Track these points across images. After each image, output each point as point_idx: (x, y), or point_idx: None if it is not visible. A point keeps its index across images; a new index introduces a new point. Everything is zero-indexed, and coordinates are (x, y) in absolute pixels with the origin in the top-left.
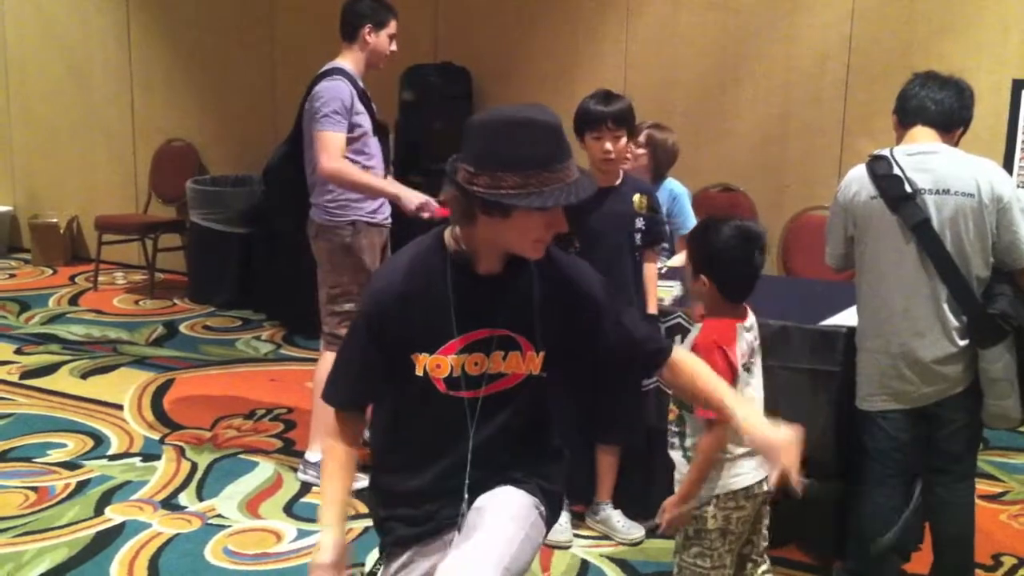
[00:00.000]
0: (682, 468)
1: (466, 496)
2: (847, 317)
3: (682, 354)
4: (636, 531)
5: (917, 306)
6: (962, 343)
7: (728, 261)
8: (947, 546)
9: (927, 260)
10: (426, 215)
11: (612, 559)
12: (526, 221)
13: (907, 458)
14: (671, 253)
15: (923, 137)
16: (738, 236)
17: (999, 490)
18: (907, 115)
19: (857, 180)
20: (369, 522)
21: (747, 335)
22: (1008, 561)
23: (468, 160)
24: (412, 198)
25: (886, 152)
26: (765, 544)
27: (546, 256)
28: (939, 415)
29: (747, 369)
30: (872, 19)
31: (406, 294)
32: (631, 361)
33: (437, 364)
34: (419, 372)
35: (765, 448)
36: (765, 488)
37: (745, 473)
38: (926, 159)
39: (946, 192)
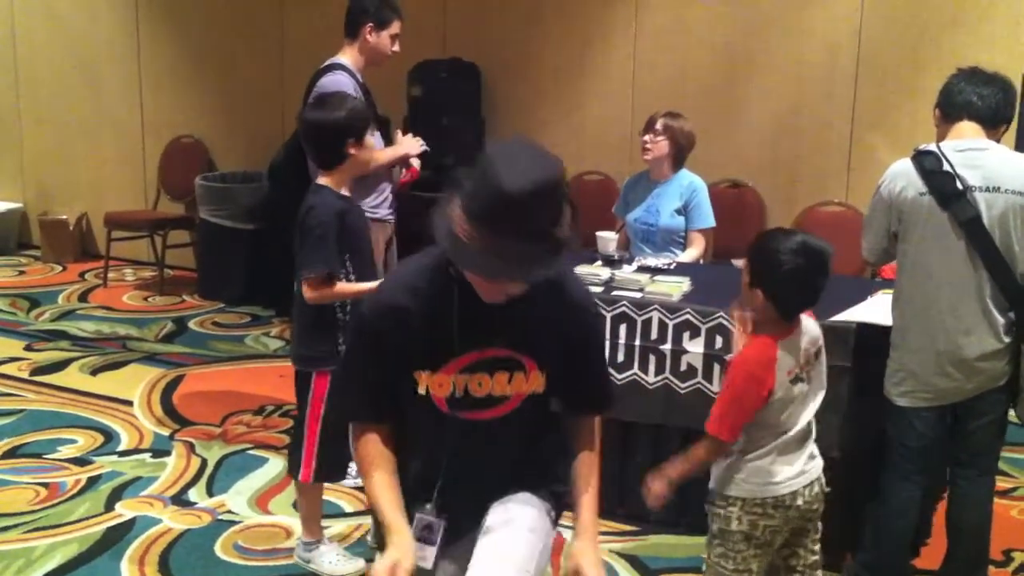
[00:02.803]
0: (718, 467)
1: (432, 508)
2: (857, 313)
3: (589, 431)
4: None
5: (964, 303)
6: (1007, 339)
7: (788, 280)
8: (964, 539)
9: (976, 257)
10: (405, 168)
11: (622, 555)
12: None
13: (932, 453)
14: (683, 247)
15: (969, 132)
16: (802, 254)
17: (1010, 486)
18: (953, 109)
19: (903, 175)
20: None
21: (799, 345)
22: (1019, 557)
23: (458, 194)
24: (411, 147)
25: (934, 147)
26: (815, 559)
27: (559, 276)
28: (973, 407)
29: (799, 379)
30: (882, 12)
31: (409, 308)
32: (576, 399)
33: (440, 383)
34: (421, 391)
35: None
36: (800, 502)
37: (778, 483)
38: (976, 156)
39: (996, 190)
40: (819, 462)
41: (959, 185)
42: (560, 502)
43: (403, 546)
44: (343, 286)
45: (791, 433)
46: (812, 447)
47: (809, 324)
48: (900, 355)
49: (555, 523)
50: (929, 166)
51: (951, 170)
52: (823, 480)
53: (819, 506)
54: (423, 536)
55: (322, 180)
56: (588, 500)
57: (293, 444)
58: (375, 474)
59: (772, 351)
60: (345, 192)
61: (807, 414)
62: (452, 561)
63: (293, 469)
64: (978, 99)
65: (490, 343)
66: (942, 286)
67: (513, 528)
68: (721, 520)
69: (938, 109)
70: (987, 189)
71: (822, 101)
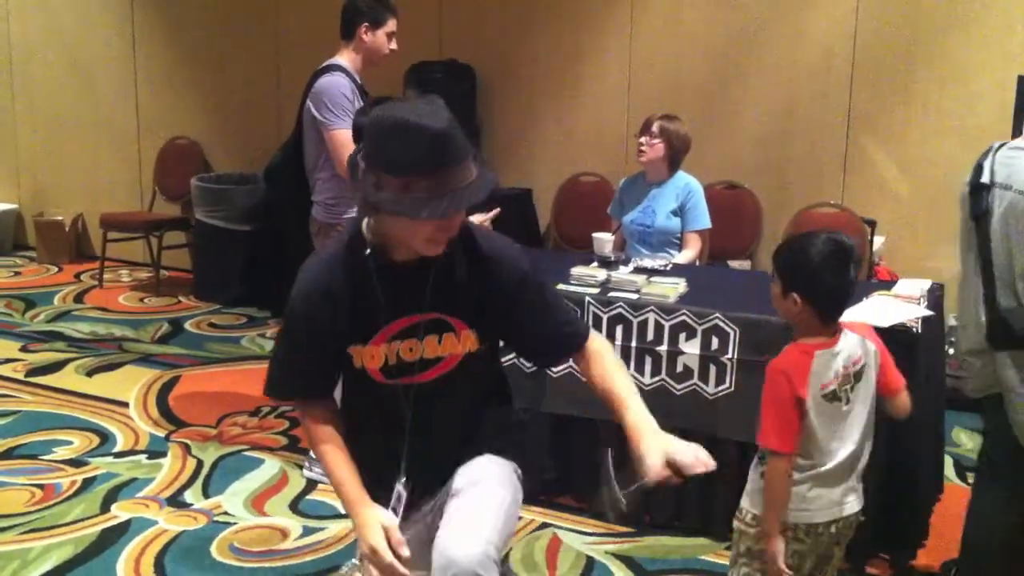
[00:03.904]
0: (754, 483)
1: (404, 478)
2: (853, 314)
3: (599, 345)
4: None
5: (965, 295)
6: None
7: (823, 276)
8: (966, 549)
9: (977, 252)
10: None
11: (617, 556)
12: (414, 223)
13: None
14: (679, 248)
15: None
16: (832, 249)
17: None
18: None
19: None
20: None
21: (837, 360)
22: None
23: (363, 155)
24: None
25: (997, 143)
26: None
27: (468, 234)
28: (982, 409)
29: (836, 397)
30: (876, 15)
31: (331, 290)
32: (546, 342)
33: (371, 355)
34: (357, 365)
35: (642, 464)
36: (833, 529)
37: (813, 510)
38: (1016, 155)
39: (1008, 188)
40: (859, 499)
41: (985, 179)
42: (524, 460)
43: (376, 515)
44: None
45: (832, 463)
46: (854, 481)
47: (851, 341)
48: None
49: (522, 480)
50: (980, 159)
51: (987, 164)
52: (859, 510)
53: (851, 533)
54: (396, 506)
55: None
56: (635, 402)
57: None
58: (329, 453)
59: (806, 357)
60: None
61: (849, 441)
62: (412, 524)
63: None
64: None
65: (415, 309)
66: (966, 276)
67: (479, 488)
68: (751, 540)
69: None
70: (1004, 187)
71: (817, 103)
